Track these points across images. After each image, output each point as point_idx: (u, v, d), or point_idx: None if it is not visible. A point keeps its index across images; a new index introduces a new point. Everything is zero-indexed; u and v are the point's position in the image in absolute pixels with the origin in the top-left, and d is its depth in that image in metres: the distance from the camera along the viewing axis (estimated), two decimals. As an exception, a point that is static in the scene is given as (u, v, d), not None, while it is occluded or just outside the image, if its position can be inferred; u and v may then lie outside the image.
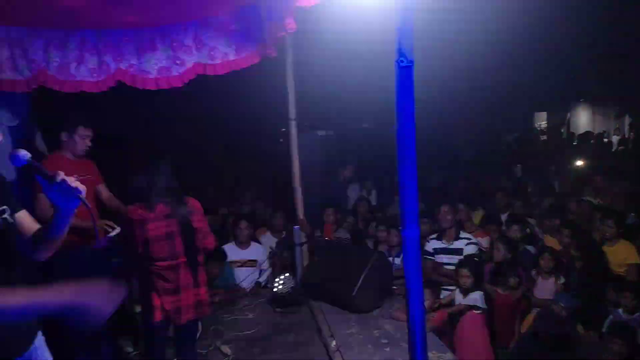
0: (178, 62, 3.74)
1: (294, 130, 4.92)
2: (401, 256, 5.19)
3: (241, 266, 5.06)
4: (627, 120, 15.71)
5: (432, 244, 4.79)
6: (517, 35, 12.16)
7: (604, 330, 4.07)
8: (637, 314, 4.09)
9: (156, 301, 3.06)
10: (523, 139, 13.20)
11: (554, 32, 12.43)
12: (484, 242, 4.93)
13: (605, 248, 4.65)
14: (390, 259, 5.09)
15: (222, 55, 3.76)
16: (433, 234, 4.89)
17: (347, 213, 6.01)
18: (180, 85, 3.76)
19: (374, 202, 6.77)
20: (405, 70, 1.86)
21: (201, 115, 9.27)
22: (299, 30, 3.21)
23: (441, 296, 4.50)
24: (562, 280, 4.45)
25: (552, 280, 4.48)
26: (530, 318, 4.46)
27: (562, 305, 3.99)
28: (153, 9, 3.38)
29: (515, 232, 4.96)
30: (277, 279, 4.61)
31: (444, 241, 4.71)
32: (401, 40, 1.84)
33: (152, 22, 3.64)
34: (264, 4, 3.44)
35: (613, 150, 11.59)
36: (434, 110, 11.25)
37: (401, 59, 1.83)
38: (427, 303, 4.09)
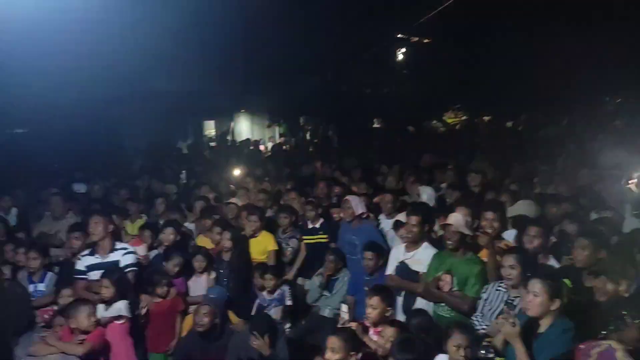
0: None
1: None
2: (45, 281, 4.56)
3: None
4: (277, 131, 18.69)
5: (84, 261, 4.32)
6: (187, 50, 12.79)
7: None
8: (277, 292, 4.78)
9: None
10: (193, 146, 13.83)
11: (222, 49, 13.70)
12: (141, 250, 4.82)
13: (251, 240, 5.27)
14: (32, 285, 4.38)
15: None
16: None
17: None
18: None
19: (13, 222, 5.70)
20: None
21: None
22: None
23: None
24: (214, 275, 4.80)
25: (204, 277, 4.77)
26: (190, 317, 4.62)
27: (213, 297, 4.27)
28: None
29: (169, 235, 5.03)
30: None
31: (97, 256, 4.32)
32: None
33: None
34: None
35: (266, 155, 13.48)
36: (98, 118, 10.53)
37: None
38: (86, 321, 3.68)
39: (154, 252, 5.05)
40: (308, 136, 17.64)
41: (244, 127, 18.23)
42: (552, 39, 12.12)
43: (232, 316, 4.61)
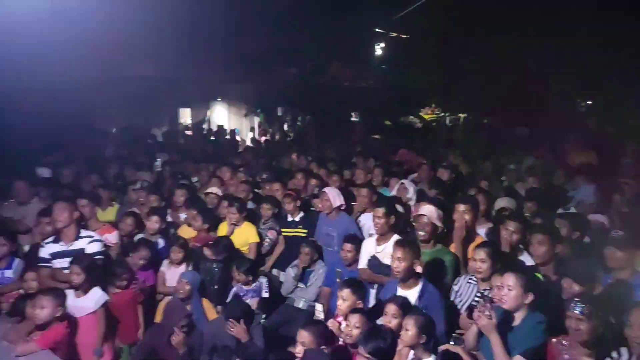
0: None
1: None
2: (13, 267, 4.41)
3: None
4: (256, 121, 18.44)
5: (48, 248, 4.17)
6: (164, 36, 12.43)
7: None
8: (254, 284, 4.65)
9: None
10: (168, 133, 13.53)
11: (200, 36, 13.40)
12: (112, 237, 4.68)
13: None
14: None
15: None
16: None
17: None
18: None
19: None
20: None
21: None
22: None
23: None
24: (190, 267, 4.70)
25: (182, 267, 4.67)
26: (161, 306, 4.53)
27: (187, 281, 4.22)
28: None
29: (154, 223, 5.01)
30: None
31: (62, 243, 4.17)
32: None
33: None
34: None
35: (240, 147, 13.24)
36: (69, 101, 10.12)
37: None
38: (46, 312, 3.53)
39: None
40: (286, 127, 17.50)
41: (220, 116, 17.95)
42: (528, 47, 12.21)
43: (208, 304, 4.49)
